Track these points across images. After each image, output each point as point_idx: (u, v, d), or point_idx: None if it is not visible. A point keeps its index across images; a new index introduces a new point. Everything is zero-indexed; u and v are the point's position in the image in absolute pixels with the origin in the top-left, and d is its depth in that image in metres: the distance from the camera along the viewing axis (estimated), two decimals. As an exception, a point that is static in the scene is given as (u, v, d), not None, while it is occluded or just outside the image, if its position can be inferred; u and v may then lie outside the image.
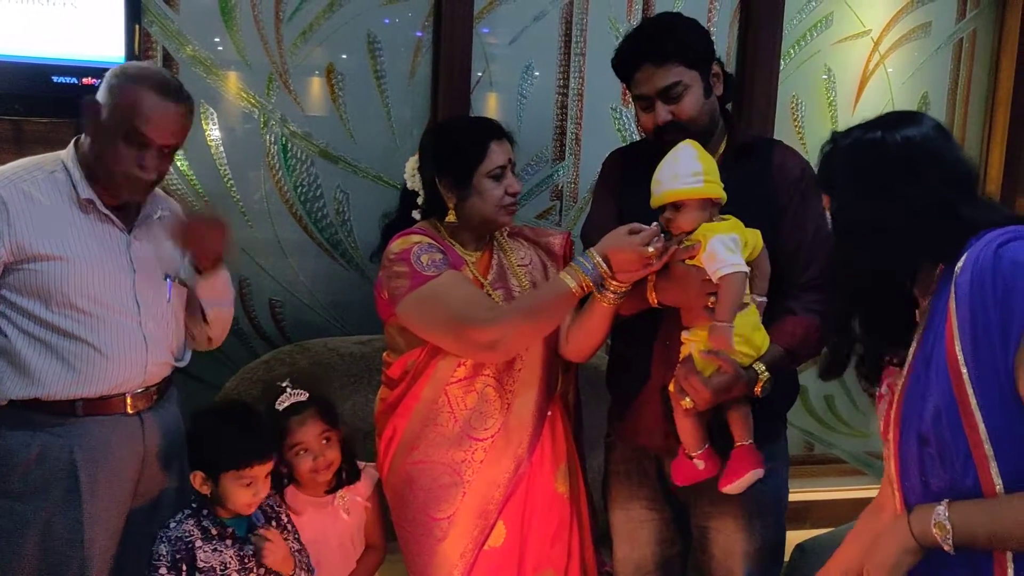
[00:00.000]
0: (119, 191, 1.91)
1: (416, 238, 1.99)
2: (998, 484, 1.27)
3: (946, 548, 1.28)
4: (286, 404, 2.13)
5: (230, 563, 1.96)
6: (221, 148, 2.78)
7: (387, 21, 2.89)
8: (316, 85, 2.85)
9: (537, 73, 3.03)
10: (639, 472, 2.11)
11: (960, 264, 1.31)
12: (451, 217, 2.02)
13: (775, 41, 3.16)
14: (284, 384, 2.17)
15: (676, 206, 1.85)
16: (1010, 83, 3.45)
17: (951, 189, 1.38)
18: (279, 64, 2.79)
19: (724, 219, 1.87)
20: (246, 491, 1.94)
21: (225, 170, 2.79)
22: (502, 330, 1.88)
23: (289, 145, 2.83)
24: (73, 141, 1.93)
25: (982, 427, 1.27)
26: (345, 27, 2.83)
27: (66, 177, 1.89)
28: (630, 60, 2.00)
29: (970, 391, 1.28)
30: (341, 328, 2.95)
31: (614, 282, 1.86)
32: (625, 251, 1.82)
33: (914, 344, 1.41)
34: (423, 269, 1.93)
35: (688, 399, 1.84)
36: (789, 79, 3.27)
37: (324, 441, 2.14)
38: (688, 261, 1.84)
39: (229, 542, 1.97)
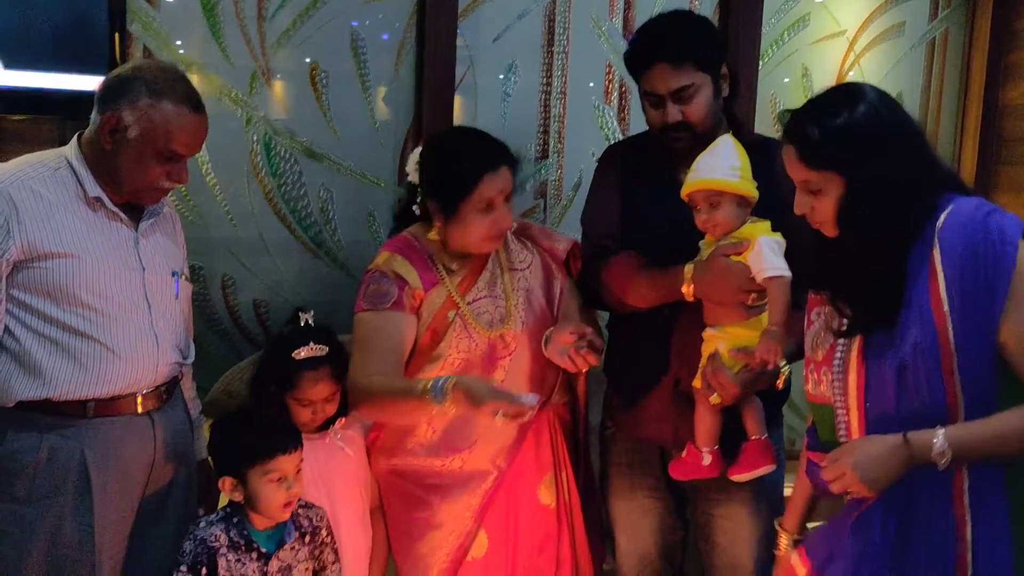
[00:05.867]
0: (141, 199, 1.91)
1: (383, 258, 2.03)
2: (962, 408, 1.51)
3: (940, 466, 1.48)
4: (303, 356, 2.06)
5: None
6: (204, 147, 2.73)
7: (369, 20, 2.88)
8: (299, 83, 2.84)
9: (520, 72, 3.04)
10: (641, 462, 2.13)
11: (941, 220, 1.53)
12: (433, 235, 2.03)
13: (755, 41, 3.19)
14: (305, 319, 2.12)
15: (712, 204, 1.85)
16: (981, 81, 3.51)
17: (927, 151, 1.62)
18: (262, 63, 2.77)
19: (761, 221, 1.88)
20: (277, 488, 1.88)
21: (208, 168, 2.76)
22: (362, 397, 1.97)
23: (273, 144, 2.81)
24: (76, 137, 1.90)
25: (956, 360, 1.51)
26: (328, 26, 2.81)
27: (71, 175, 1.86)
28: (645, 57, 2.00)
29: (950, 331, 1.51)
30: (326, 328, 2.93)
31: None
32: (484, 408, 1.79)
33: None
34: (363, 298, 2.01)
35: (715, 395, 1.86)
36: (767, 78, 3.31)
37: (327, 399, 2.09)
38: (734, 257, 1.85)
39: (254, 555, 1.91)
